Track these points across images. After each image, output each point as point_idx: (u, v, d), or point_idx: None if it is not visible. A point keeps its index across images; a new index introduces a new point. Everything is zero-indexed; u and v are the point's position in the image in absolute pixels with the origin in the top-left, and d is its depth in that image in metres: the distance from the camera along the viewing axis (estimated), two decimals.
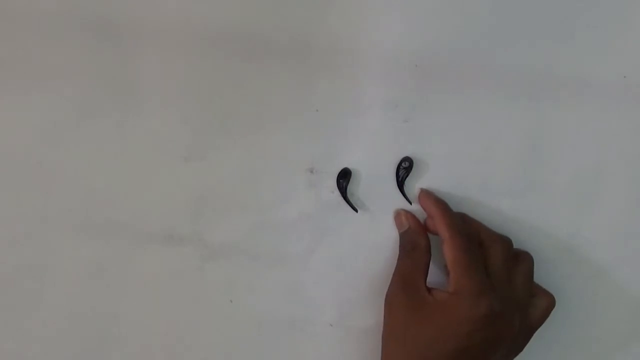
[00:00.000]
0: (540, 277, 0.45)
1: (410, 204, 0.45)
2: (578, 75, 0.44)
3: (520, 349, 0.42)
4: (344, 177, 0.44)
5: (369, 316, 0.44)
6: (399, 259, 0.43)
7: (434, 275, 0.44)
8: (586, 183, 0.45)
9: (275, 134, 0.44)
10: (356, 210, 0.44)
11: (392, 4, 0.43)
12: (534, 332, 0.42)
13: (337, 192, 0.44)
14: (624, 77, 0.44)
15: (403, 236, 0.44)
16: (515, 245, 0.44)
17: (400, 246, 0.44)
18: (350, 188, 0.44)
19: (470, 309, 0.38)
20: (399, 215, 0.44)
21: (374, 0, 0.43)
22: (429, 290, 0.41)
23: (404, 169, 0.44)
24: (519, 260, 0.42)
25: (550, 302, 0.42)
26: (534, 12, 0.43)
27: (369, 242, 0.45)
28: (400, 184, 0.44)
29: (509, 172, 0.45)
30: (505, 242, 0.42)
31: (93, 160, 0.44)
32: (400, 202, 0.45)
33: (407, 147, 0.44)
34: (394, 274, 0.43)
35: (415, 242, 0.43)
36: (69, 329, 0.45)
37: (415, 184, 0.45)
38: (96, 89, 0.43)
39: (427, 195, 0.44)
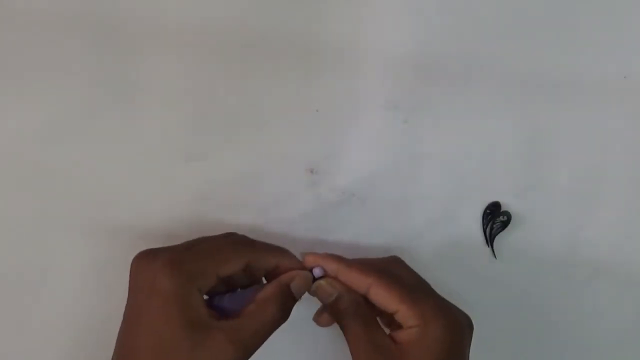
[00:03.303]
0: (540, 277, 0.45)
1: (495, 258, 0.45)
2: (578, 75, 0.44)
3: None
4: (494, 214, 0.43)
5: None
6: (347, 330, 0.37)
7: None
8: (586, 183, 0.45)
9: (275, 134, 0.44)
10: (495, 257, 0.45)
11: (392, 4, 0.43)
12: None
13: (337, 192, 0.44)
14: (624, 77, 0.44)
15: (337, 304, 0.38)
16: (514, 244, 0.44)
17: (339, 315, 0.38)
18: (351, 188, 0.44)
19: (456, 326, 0.36)
20: (320, 287, 0.39)
21: (374, 1, 0.43)
22: (392, 337, 0.37)
23: (501, 222, 0.43)
24: None
25: None
26: (534, 12, 0.43)
27: (370, 241, 0.45)
28: (491, 238, 0.44)
29: (509, 172, 0.45)
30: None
31: (93, 160, 0.44)
32: (398, 203, 0.45)
33: (407, 147, 0.44)
34: (355, 348, 0.36)
35: (354, 300, 0.38)
36: (68, 329, 0.45)
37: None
38: (96, 89, 0.43)
39: (319, 256, 0.39)
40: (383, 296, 0.37)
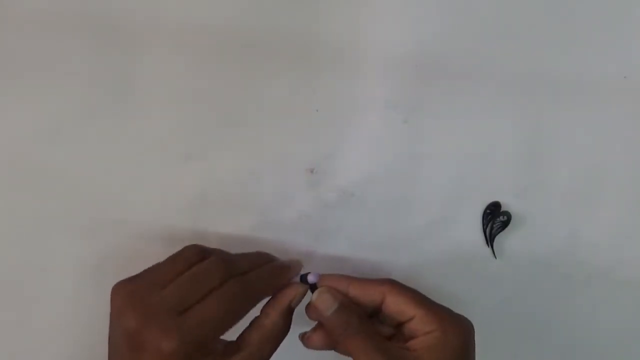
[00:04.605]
0: (540, 277, 0.45)
1: (495, 258, 0.45)
2: (578, 75, 0.44)
3: None
4: (494, 213, 0.43)
5: None
6: (354, 343, 0.36)
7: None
8: (586, 183, 0.45)
9: (275, 134, 0.44)
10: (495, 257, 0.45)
11: (392, 4, 0.43)
12: None
13: (337, 192, 0.44)
14: (624, 77, 0.44)
15: (339, 315, 0.37)
16: (514, 244, 0.44)
17: (340, 328, 0.37)
18: (351, 188, 0.44)
19: (468, 331, 0.37)
20: (321, 295, 0.38)
21: (374, 1, 0.43)
22: (407, 347, 0.36)
23: (501, 222, 0.43)
24: None
25: None
26: (534, 12, 0.43)
27: (369, 241, 0.45)
28: (491, 238, 0.44)
29: (509, 172, 0.45)
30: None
31: (93, 160, 0.44)
32: (398, 203, 0.45)
33: (407, 147, 0.44)
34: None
35: (357, 312, 0.37)
36: (68, 329, 0.45)
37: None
38: (96, 89, 0.43)
39: (327, 277, 0.39)
40: (400, 302, 0.37)
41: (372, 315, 0.39)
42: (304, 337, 0.39)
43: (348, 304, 0.38)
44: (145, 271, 0.37)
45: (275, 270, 0.39)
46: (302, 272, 0.40)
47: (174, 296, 0.34)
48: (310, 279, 0.39)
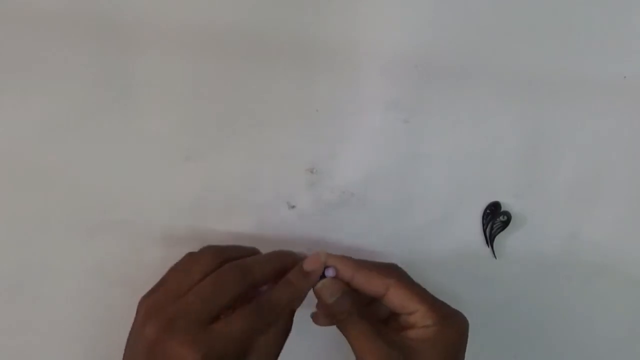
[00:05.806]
0: (540, 277, 0.45)
1: (495, 258, 0.45)
2: (578, 75, 0.44)
3: None
4: (494, 213, 0.44)
5: None
6: (353, 329, 0.37)
7: None
8: (586, 183, 0.45)
9: (275, 134, 0.44)
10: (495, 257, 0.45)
11: (392, 4, 0.43)
12: None
13: (337, 192, 0.44)
14: (624, 77, 0.44)
15: (341, 303, 0.38)
16: (514, 244, 0.44)
17: (341, 315, 0.38)
18: (351, 188, 0.44)
19: (465, 328, 0.38)
20: (325, 285, 0.39)
21: (374, 1, 0.43)
22: (404, 336, 0.37)
23: (501, 222, 0.43)
24: None
25: None
26: (533, 12, 0.43)
27: (369, 241, 0.45)
28: (491, 238, 0.44)
29: (509, 172, 0.45)
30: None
31: (93, 160, 0.44)
32: (398, 203, 0.45)
33: (407, 147, 0.44)
34: (364, 346, 0.37)
35: (358, 302, 0.38)
36: (69, 329, 0.45)
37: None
38: (96, 89, 0.43)
39: (335, 257, 0.39)
40: (404, 295, 0.38)
41: (371, 301, 0.40)
42: (313, 315, 0.41)
43: (350, 293, 0.38)
44: (166, 280, 0.38)
45: (299, 283, 0.39)
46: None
47: (196, 307, 0.35)
48: (329, 272, 0.39)
